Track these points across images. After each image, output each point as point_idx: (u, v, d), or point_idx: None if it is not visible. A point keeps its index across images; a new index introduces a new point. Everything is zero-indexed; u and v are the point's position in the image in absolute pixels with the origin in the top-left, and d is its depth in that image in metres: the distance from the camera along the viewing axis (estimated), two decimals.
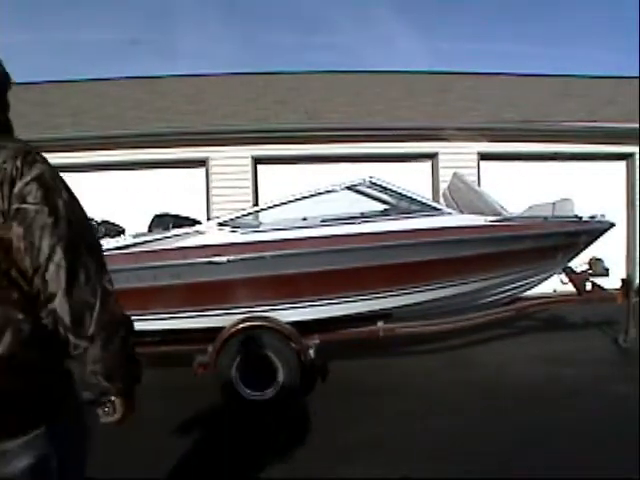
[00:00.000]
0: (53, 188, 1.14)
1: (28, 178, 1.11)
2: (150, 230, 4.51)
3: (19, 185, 1.09)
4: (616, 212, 6.17)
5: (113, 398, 1.20)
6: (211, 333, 3.88)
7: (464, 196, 4.93)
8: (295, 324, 3.94)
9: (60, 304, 1.09)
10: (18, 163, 1.11)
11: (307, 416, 3.67)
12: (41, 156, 1.17)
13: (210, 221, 4.68)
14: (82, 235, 1.17)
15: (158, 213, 4.74)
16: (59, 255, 1.10)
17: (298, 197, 4.20)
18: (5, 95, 1.31)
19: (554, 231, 4.47)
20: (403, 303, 4.20)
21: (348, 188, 4.32)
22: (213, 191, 7.91)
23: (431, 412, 3.69)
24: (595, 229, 4.75)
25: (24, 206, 1.09)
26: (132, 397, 1.24)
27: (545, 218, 4.54)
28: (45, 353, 1.13)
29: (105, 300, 1.14)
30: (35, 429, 1.11)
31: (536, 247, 4.37)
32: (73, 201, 1.18)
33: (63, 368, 1.19)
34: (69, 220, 1.13)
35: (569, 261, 4.90)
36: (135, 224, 4.81)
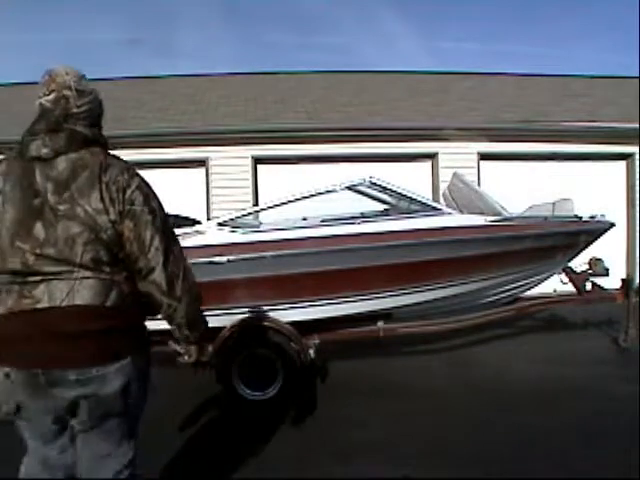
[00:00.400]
0: (149, 194, 1.60)
1: (133, 187, 1.56)
2: None
3: (128, 193, 1.55)
4: (616, 212, 6.18)
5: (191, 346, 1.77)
6: (211, 333, 3.87)
7: (464, 196, 4.93)
8: (295, 324, 3.94)
9: (159, 275, 1.58)
10: (126, 176, 1.56)
11: (307, 416, 3.67)
12: (135, 169, 1.63)
13: (210, 221, 4.68)
14: (169, 227, 1.65)
15: None
16: (157, 241, 1.57)
17: (298, 197, 4.20)
18: (101, 119, 1.72)
19: (554, 231, 4.47)
20: (403, 303, 4.20)
21: (348, 188, 4.32)
22: (213, 191, 7.92)
23: (431, 412, 3.69)
24: (595, 229, 4.75)
25: (133, 208, 1.55)
26: (203, 345, 1.82)
27: (545, 218, 4.54)
28: (135, 308, 1.62)
29: (186, 272, 1.65)
30: (125, 359, 1.56)
31: (536, 247, 4.37)
32: (158, 201, 1.64)
33: (144, 320, 1.69)
34: (161, 216, 1.61)
35: (569, 261, 4.90)
36: None
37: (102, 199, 1.52)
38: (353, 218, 4.36)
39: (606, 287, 5.14)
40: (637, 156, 8.42)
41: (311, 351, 3.98)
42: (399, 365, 4.90)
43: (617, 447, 3.01)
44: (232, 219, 4.15)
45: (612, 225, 4.85)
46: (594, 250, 4.94)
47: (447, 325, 4.56)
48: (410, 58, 36.05)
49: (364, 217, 4.48)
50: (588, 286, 5.11)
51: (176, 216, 4.66)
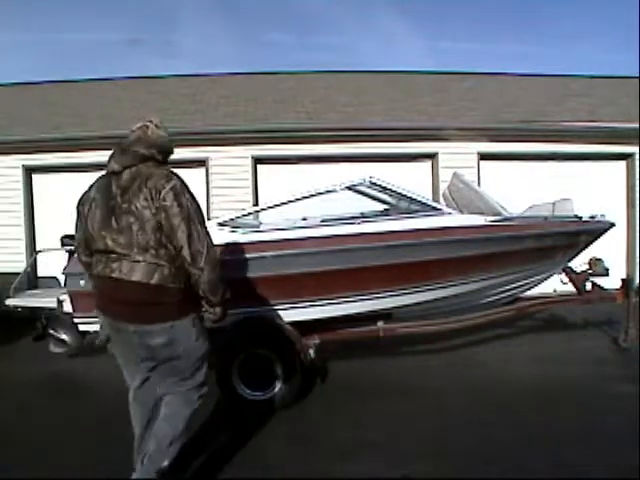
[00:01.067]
0: (179, 193, 2.20)
1: (167, 189, 2.19)
2: None
3: (162, 193, 2.18)
4: (616, 212, 6.17)
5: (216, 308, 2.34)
6: (211, 333, 3.87)
7: (464, 196, 4.92)
8: (295, 324, 3.93)
9: (185, 251, 2.18)
10: (162, 182, 2.21)
11: (307, 416, 3.67)
12: (174, 175, 2.28)
13: (210, 221, 4.67)
14: (194, 216, 2.22)
15: None
16: (183, 227, 2.17)
17: (298, 197, 4.20)
18: (166, 147, 2.44)
19: (554, 231, 4.47)
20: (403, 303, 4.19)
21: (348, 188, 4.32)
22: (213, 191, 7.92)
23: (431, 412, 3.69)
24: (595, 229, 4.74)
25: (164, 204, 2.18)
26: (225, 307, 2.36)
27: (545, 218, 4.54)
28: (177, 284, 2.23)
29: (209, 249, 2.22)
30: (166, 322, 2.24)
31: (536, 247, 4.37)
32: (191, 198, 2.25)
33: (185, 294, 2.26)
34: (188, 208, 2.20)
35: (569, 261, 4.90)
36: None
37: (146, 199, 2.18)
38: (353, 218, 4.35)
39: (606, 287, 5.14)
40: (637, 156, 8.42)
41: (311, 351, 3.97)
42: (399, 365, 4.90)
43: (617, 447, 3.01)
44: (232, 219, 4.15)
45: (612, 225, 4.85)
46: (594, 250, 4.94)
47: (447, 325, 4.55)
48: (410, 58, 36.03)
49: (364, 217, 4.47)
50: (588, 286, 5.11)
51: None
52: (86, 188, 2.41)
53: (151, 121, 2.47)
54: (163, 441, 2.37)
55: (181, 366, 2.36)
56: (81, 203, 2.39)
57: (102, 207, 2.27)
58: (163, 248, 2.19)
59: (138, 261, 2.18)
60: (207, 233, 2.26)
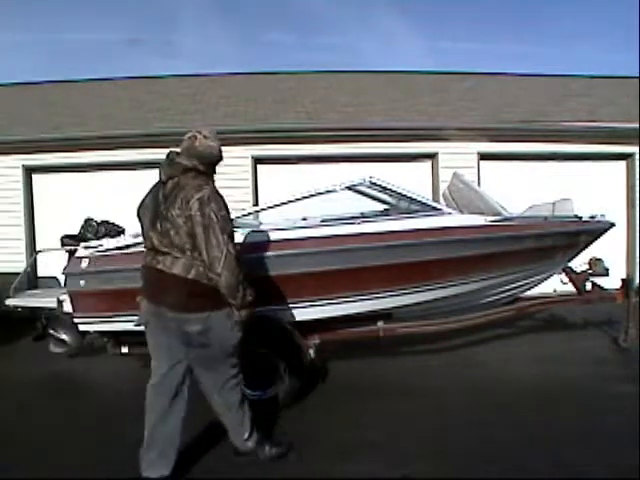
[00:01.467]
0: (205, 203, 2.44)
1: (195, 199, 2.46)
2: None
3: (191, 202, 2.46)
4: (616, 212, 6.17)
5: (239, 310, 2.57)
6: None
7: (464, 196, 4.92)
8: (295, 324, 3.93)
9: (205, 256, 2.45)
10: (192, 192, 2.48)
11: (307, 416, 3.67)
12: (206, 186, 2.53)
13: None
14: (214, 224, 2.44)
15: None
16: (202, 234, 2.44)
17: (298, 197, 4.19)
18: (214, 166, 2.70)
19: (554, 231, 4.47)
20: (403, 303, 4.19)
21: (348, 188, 4.31)
22: None
23: (431, 412, 3.69)
24: (595, 229, 4.74)
25: (191, 213, 2.45)
26: (249, 308, 2.59)
27: (545, 218, 4.54)
28: (211, 282, 2.48)
29: (227, 256, 2.43)
30: (201, 313, 2.53)
31: (536, 247, 4.36)
32: (217, 207, 2.47)
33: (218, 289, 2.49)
34: (209, 217, 2.43)
35: (569, 261, 4.90)
36: (135, 224, 4.80)
37: (179, 208, 2.48)
38: (353, 218, 4.35)
39: (606, 287, 5.14)
40: (637, 156, 8.41)
41: (311, 351, 3.97)
42: (399, 365, 4.90)
43: (617, 447, 3.01)
44: (232, 219, 4.14)
45: (612, 225, 4.84)
46: (594, 250, 4.94)
47: (447, 325, 4.55)
48: (410, 58, 36.04)
49: (364, 217, 4.47)
50: (588, 286, 5.10)
51: None
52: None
53: (200, 132, 2.65)
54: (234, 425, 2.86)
55: (214, 353, 2.63)
56: (140, 207, 2.80)
57: (151, 212, 2.65)
58: (197, 251, 2.48)
59: (178, 258, 2.51)
60: (228, 241, 2.46)
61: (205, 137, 2.61)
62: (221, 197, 2.56)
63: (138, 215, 2.80)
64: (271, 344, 3.84)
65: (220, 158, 2.70)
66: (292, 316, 3.96)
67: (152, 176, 2.50)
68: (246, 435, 2.85)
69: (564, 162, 8.28)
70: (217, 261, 2.41)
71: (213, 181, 2.67)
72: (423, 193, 4.83)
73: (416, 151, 8.18)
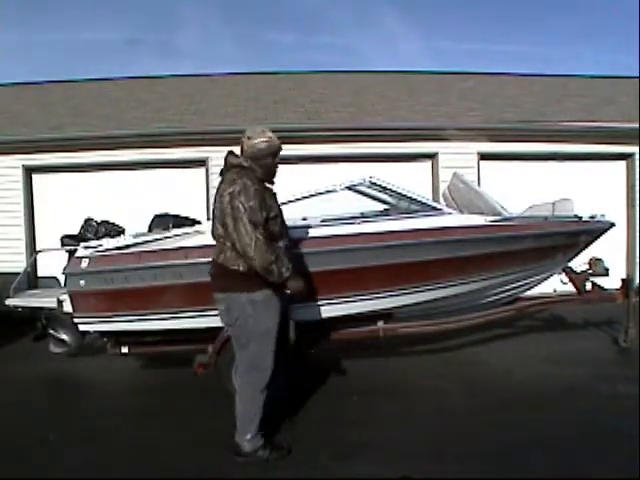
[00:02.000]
0: (235, 196, 2.71)
1: (227, 192, 2.75)
2: (150, 230, 4.51)
3: (223, 195, 2.78)
4: (616, 212, 6.17)
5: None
6: (211, 333, 3.87)
7: (464, 196, 4.92)
8: (295, 324, 3.93)
9: (237, 244, 2.71)
10: (225, 186, 2.81)
11: (307, 416, 3.67)
12: (239, 181, 2.76)
13: (210, 221, 4.68)
14: (242, 215, 2.69)
15: (158, 213, 4.73)
16: (232, 225, 2.72)
17: (298, 197, 4.20)
18: (259, 155, 3.02)
19: (554, 231, 4.47)
20: (403, 303, 4.19)
21: (348, 188, 4.31)
22: (213, 191, 7.87)
23: (431, 412, 3.69)
24: (595, 229, 4.74)
25: (222, 205, 2.76)
26: (286, 285, 2.83)
27: (545, 218, 4.54)
28: (237, 267, 2.79)
29: (257, 241, 2.67)
30: (225, 293, 2.86)
31: (536, 247, 4.36)
32: (245, 199, 2.70)
33: (244, 276, 2.78)
34: (238, 209, 2.69)
35: (569, 261, 4.90)
36: (135, 224, 4.80)
37: (217, 201, 2.83)
38: (353, 218, 4.35)
39: (606, 287, 5.14)
40: (637, 156, 8.41)
41: (310, 350, 3.97)
42: (399, 365, 4.90)
43: (617, 447, 3.01)
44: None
45: (612, 225, 4.84)
46: (594, 250, 4.93)
47: (447, 325, 4.55)
48: (410, 58, 36.05)
49: (364, 217, 4.47)
50: (588, 286, 5.10)
51: (176, 216, 4.67)
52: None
53: (245, 132, 3.01)
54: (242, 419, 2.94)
55: (236, 333, 2.92)
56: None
57: (214, 205, 2.93)
58: (228, 239, 2.77)
59: (217, 245, 2.89)
60: (255, 228, 2.69)
61: (249, 138, 2.94)
62: (257, 189, 2.77)
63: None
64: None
65: (261, 154, 2.97)
66: (292, 316, 3.95)
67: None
68: (249, 436, 2.89)
69: (564, 162, 8.27)
70: (249, 247, 2.66)
71: (257, 173, 2.91)
72: (423, 193, 4.83)
73: (416, 151, 8.17)
